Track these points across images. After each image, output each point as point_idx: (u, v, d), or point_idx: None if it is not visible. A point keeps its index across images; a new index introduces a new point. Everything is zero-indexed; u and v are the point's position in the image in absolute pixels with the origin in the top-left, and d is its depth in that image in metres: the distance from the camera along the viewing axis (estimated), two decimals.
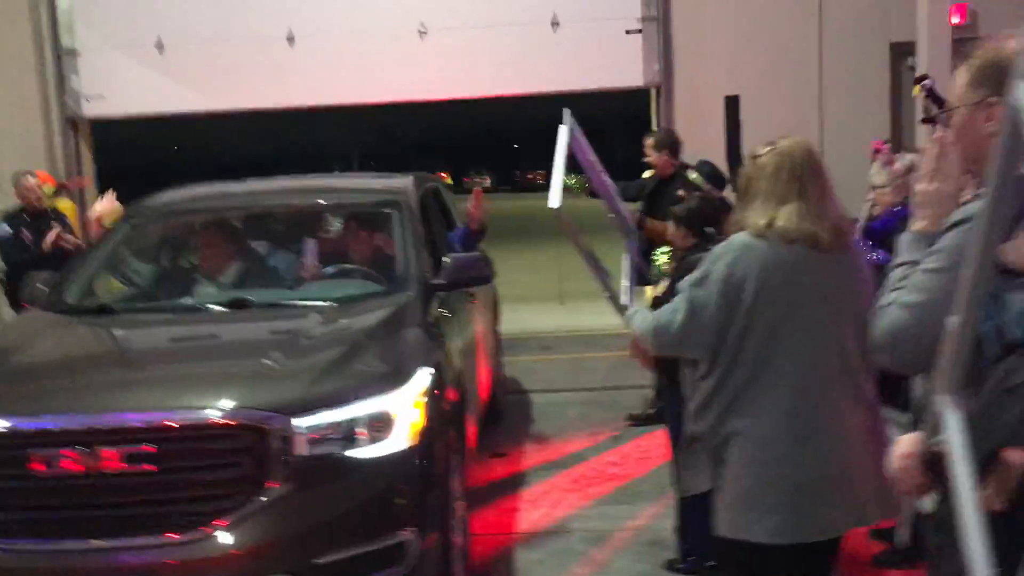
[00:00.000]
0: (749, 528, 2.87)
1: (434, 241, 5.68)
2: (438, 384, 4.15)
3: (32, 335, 4.53)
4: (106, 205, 6.18)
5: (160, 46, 9.86)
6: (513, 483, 5.99)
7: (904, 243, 2.28)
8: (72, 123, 10.24)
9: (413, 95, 9.91)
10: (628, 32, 9.52)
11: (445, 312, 4.98)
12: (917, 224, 2.26)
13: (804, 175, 2.90)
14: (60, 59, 10.08)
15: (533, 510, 5.55)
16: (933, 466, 1.82)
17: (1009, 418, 1.66)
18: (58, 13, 10.06)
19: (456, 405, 4.43)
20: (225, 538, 3.55)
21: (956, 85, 2.14)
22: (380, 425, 3.83)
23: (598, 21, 9.43)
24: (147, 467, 3.54)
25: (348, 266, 5.15)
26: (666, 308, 3.04)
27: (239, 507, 3.57)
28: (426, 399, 3.97)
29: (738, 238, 2.89)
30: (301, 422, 3.67)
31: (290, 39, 9.70)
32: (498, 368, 6.88)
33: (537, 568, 4.82)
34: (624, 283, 4.16)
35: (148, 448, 3.54)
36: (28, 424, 3.63)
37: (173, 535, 3.54)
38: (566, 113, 3.98)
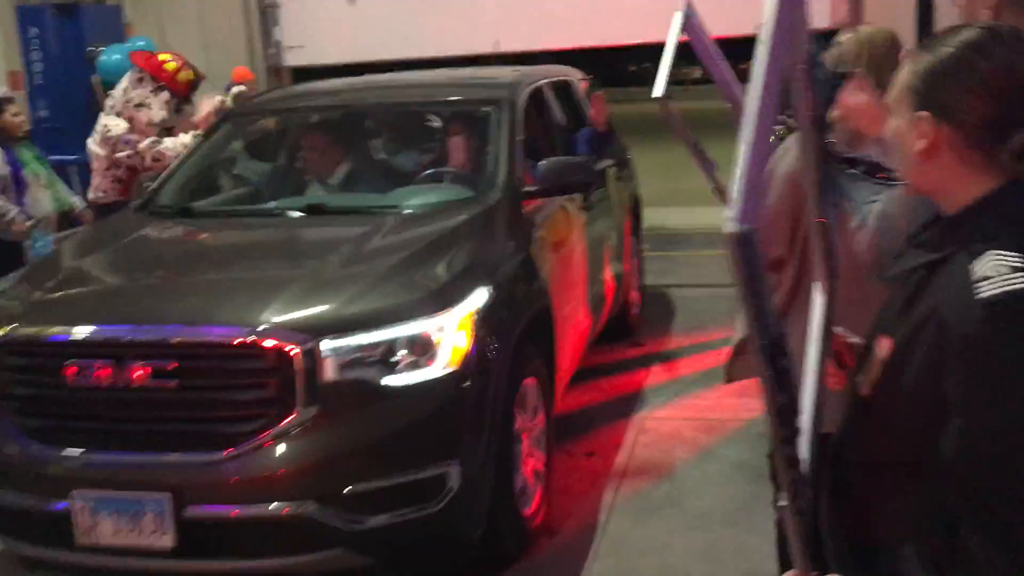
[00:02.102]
0: None
1: (552, 142, 5.08)
2: (499, 304, 3.63)
3: (101, 238, 4.31)
4: (206, 107, 5.92)
5: None
6: (636, 370, 5.84)
7: None
8: (275, 71, 10.54)
9: (595, 40, 9.30)
10: None
11: (543, 220, 4.41)
12: None
13: (884, 65, 2.40)
14: (264, 12, 10.42)
15: (653, 397, 5.42)
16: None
17: (884, 306, 1.63)
18: None
19: (532, 325, 3.89)
20: (250, 461, 3.23)
21: None
22: (420, 349, 3.37)
23: None
24: (169, 383, 3.26)
25: (444, 169, 4.65)
26: None
27: (264, 430, 3.23)
28: (477, 321, 3.47)
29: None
30: (331, 344, 3.27)
31: None
32: (628, 275, 6.13)
33: (643, 451, 4.73)
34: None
35: (170, 364, 3.26)
36: (58, 335, 3.40)
37: (195, 454, 3.26)
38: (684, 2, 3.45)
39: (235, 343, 3.26)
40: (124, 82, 6.01)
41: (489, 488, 3.48)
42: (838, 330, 1.84)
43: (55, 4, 11.26)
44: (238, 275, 3.82)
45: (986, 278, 1.36)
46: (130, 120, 5.86)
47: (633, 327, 6.26)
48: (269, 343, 3.23)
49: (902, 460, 1.52)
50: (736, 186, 1.19)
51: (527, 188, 4.30)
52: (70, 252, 4.16)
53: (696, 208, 9.89)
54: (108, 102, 6.04)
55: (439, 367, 3.37)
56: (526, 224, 4.24)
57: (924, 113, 1.49)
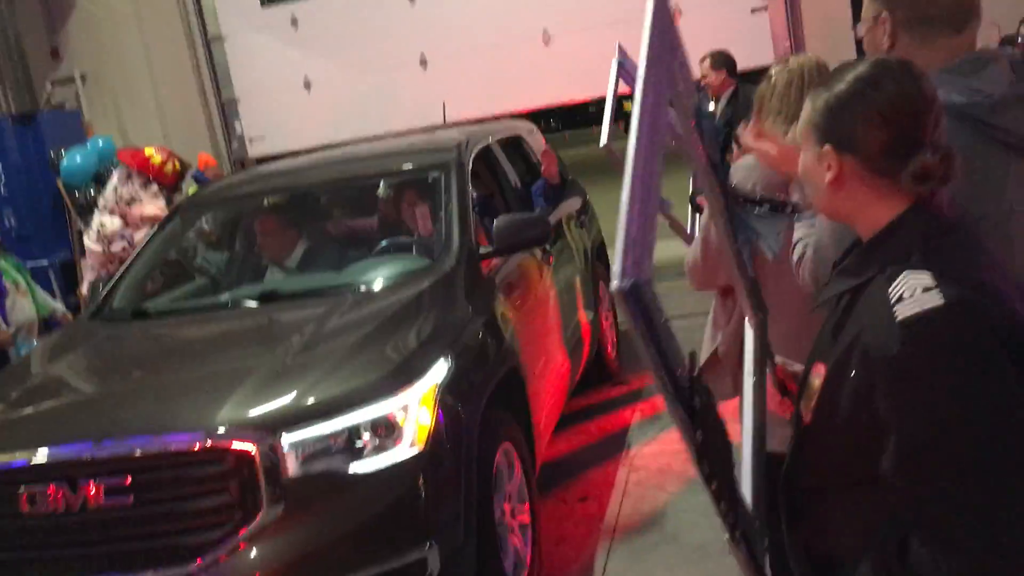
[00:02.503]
0: None
1: (507, 198, 4.97)
2: (462, 373, 3.48)
3: (52, 351, 4.11)
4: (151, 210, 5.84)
5: (308, 85, 9.95)
6: (621, 408, 5.68)
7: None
8: (241, 164, 10.53)
9: (543, 101, 9.36)
10: (754, 11, 8.52)
11: (504, 278, 4.27)
12: None
13: None
14: (223, 108, 10.51)
15: (640, 434, 5.30)
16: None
17: (819, 334, 1.68)
18: (216, 67, 10.48)
19: (502, 387, 3.74)
20: (220, 570, 3.05)
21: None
22: (384, 431, 3.22)
23: (721, 3, 8.44)
24: (128, 498, 3.09)
25: (399, 239, 4.51)
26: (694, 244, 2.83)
27: (231, 535, 3.06)
28: (440, 394, 3.32)
29: (744, 160, 2.61)
30: (291, 437, 3.11)
31: (423, 63, 9.48)
32: (601, 319, 5.95)
33: (635, 489, 4.64)
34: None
35: (128, 478, 3.09)
36: (9, 462, 3.22)
37: (165, 570, 3.07)
38: (617, 47, 3.41)
39: (190, 449, 3.10)
40: (113, 180, 6.22)
41: (473, 565, 3.31)
42: (780, 359, 1.89)
43: (13, 115, 11.26)
44: (192, 376, 3.64)
45: (900, 300, 1.41)
46: (123, 216, 6.02)
47: (612, 370, 6.10)
48: (225, 444, 3.08)
49: (847, 481, 1.55)
50: (618, 242, 1.17)
51: (483, 249, 4.18)
52: (21, 369, 4.00)
53: (669, 241, 9.84)
54: (100, 201, 6.30)
55: (405, 447, 3.21)
56: (486, 286, 4.11)
57: (827, 146, 1.54)
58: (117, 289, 4.50)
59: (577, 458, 5.11)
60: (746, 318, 1.82)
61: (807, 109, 1.60)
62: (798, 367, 1.80)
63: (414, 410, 3.25)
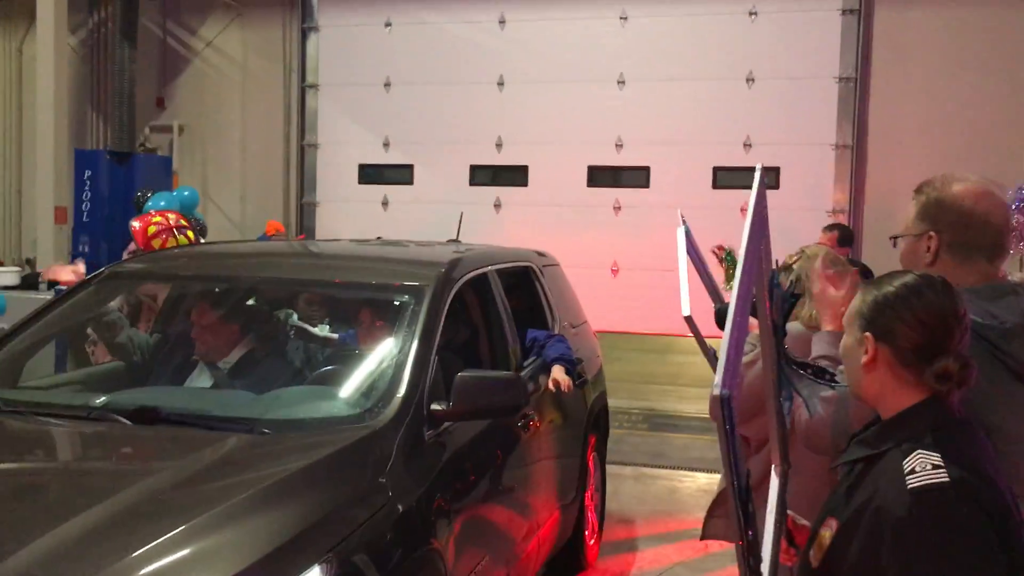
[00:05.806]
0: None
1: (494, 343, 3.65)
2: None
3: None
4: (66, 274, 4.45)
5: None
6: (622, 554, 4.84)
7: (819, 341, 2.30)
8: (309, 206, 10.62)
9: (606, 325, 8.64)
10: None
11: (455, 448, 2.94)
12: (826, 325, 2.28)
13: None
14: (303, 150, 10.59)
15: None
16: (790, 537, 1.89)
17: (832, 492, 1.76)
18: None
19: None
20: None
21: (905, 215, 2.13)
22: None
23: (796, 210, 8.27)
24: None
25: (342, 369, 3.19)
26: None
27: None
28: None
29: (791, 327, 2.46)
30: None
31: None
32: (582, 504, 4.36)
33: None
34: None
35: None
36: None
37: None
38: (679, 215, 2.59)
39: None
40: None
41: None
42: (790, 512, 1.88)
43: (111, 151, 11.09)
44: None
45: (913, 472, 1.53)
46: None
47: (588, 560, 4.51)
48: None
49: None
50: (720, 360, 1.34)
51: (437, 405, 2.85)
52: None
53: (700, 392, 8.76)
54: None
55: None
56: (427, 456, 2.77)
57: (868, 334, 1.67)
58: None
59: None
60: (773, 466, 1.83)
61: (858, 299, 1.71)
62: (806, 522, 1.83)
63: None
